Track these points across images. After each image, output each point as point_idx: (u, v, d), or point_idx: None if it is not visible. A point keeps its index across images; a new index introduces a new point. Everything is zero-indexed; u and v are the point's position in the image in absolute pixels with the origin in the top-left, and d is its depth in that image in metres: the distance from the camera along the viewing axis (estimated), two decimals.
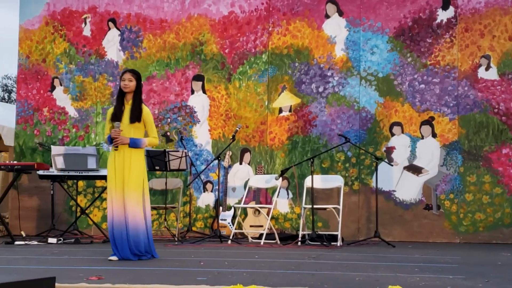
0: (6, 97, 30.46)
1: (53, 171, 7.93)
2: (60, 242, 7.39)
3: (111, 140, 5.54)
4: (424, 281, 4.10)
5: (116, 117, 5.54)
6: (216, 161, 8.02)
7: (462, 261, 5.74)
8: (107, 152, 9.24)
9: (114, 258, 5.47)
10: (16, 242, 7.25)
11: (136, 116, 5.54)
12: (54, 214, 8.87)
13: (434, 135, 8.39)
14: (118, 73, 9.33)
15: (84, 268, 4.84)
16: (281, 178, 7.96)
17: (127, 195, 5.46)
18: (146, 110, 5.63)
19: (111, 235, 5.51)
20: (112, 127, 5.55)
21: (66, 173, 7.92)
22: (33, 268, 4.92)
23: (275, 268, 4.95)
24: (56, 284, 3.54)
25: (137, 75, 5.62)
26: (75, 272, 4.57)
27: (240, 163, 8.90)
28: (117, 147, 5.51)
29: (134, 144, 5.53)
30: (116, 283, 3.86)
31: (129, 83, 5.54)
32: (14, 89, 29.54)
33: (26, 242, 7.28)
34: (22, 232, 7.70)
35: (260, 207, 8.18)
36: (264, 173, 8.67)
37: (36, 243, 7.30)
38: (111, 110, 5.65)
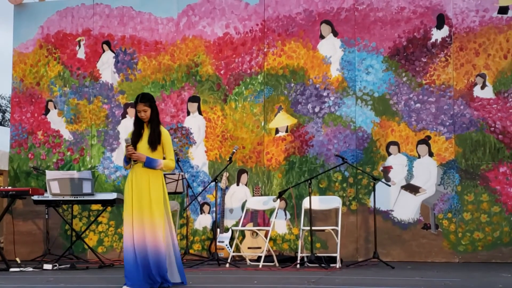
0: (0, 117, 30.36)
1: (48, 196, 7.86)
2: (55, 268, 7.30)
3: (127, 161, 5.40)
4: None
5: (134, 140, 5.40)
6: (213, 183, 7.96)
7: (462, 283, 5.68)
8: (103, 175, 9.18)
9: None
10: (11, 269, 7.16)
11: (155, 143, 5.40)
12: (49, 239, 8.78)
13: (430, 154, 8.37)
14: (113, 95, 9.30)
15: None
16: (278, 200, 7.91)
17: (148, 219, 5.29)
18: (165, 132, 5.50)
19: (134, 262, 5.26)
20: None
21: (61, 198, 7.85)
22: None
23: None
24: None
25: (150, 101, 5.44)
26: None
27: (237, 184, 8.85)
28: (136, 161, 5.35)
29: (149, 163, 5.36)
30: None
31: (145, 114, 5.41)
32: (8, 109, 29.45)
33: (21, 269, 7.18)
34: (17, 259, 7.60)
35: (258, 229, 8.12)
36: (261, 194, 8.62)
37: (31, 269, 7.20)
38: (129, 134, 5.50)
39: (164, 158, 5.51)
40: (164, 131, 5.51)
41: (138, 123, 5.48)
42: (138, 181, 5.38)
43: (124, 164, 5.48)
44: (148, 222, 5.31)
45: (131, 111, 9.19)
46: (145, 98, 5.44)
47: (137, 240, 5.29)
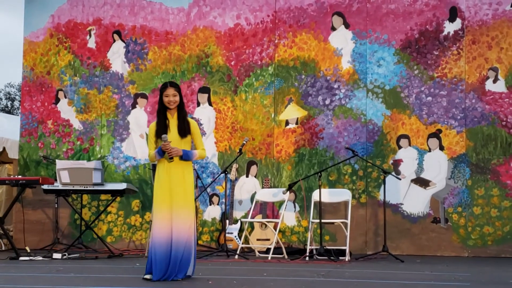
0: (9, 105, 30.43)
1: (58, 186, 7.87)
2: (65, 257, 7.32)
3: (161, 154, 5.28)
4: None
5: (161, 132, 5.28)
6: (223, 174, 7.96)
7: (473, 278, 5.66)
8: (112, 165, 9.18)
9: (149, 276, 5.20)
10: (21, 258, 7.18)
11: (185, 131, 5.32)
12: (58, 228, 8.81)
13: (441, 147, 8.32)
14: (123, 85, 9.29)
15: None
16: (288, 192, 7.89)
17: (183, 211, 5.21)
18: (193, 123, 5.42)
19: (165, 254, 5.16)
20: (157, 142, 5.32)
21: (71, 188, 7.86)
22: None
23: (285, 287, 4.89)
24: None
25: (178, 88, 5.38)
26: None
27: (247, 176, 8.84)
28: (172, 158, 5.24)
29: (186, 156, 5.29)
30: None
31: (174, 99, 5.29)
32: (17, 97, 29.52)
33: (30, 257, 7.21)
34: (27, 248, 7.63)
35: (267, 221, 8.11)
36: (270, 186, 8.60)
37: (40, 258, 7.23)
38: (153, 125, 5.36)
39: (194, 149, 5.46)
40: (192, 121, 5.42)
41: (163, 113, 5.35)
42: (173, 173, 5.27)
43: (157, 156, 5.29)
44: (180, 215, 5.22)
45: (141, 101, 9.18)
46: (175, 84, 5.39)
47: (174, 233, 5.19)
